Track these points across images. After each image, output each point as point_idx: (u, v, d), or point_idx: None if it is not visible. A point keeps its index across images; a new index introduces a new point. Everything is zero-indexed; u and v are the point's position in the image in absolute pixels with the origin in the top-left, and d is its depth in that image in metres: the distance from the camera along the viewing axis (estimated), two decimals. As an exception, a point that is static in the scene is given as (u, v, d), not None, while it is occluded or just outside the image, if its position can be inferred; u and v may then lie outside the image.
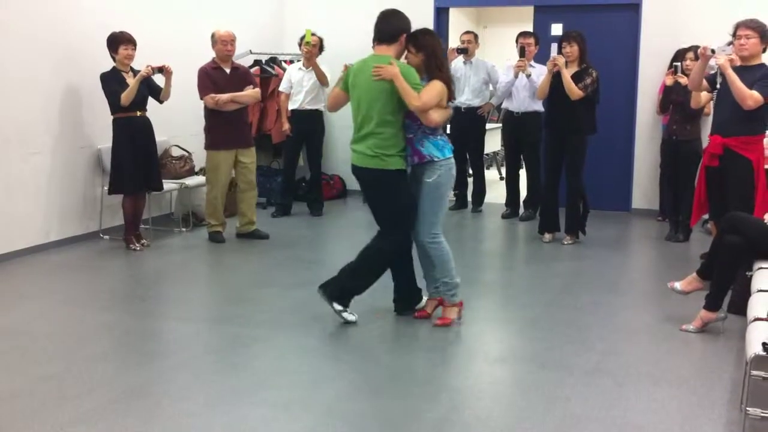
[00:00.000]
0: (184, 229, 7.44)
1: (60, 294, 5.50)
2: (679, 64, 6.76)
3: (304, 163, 8.61)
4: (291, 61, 8.66)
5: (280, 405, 3.64)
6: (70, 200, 6.71)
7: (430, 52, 4.57)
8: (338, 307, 4.67)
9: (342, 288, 4.70)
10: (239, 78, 6.95)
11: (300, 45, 8.01)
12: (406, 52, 4.65)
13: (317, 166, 8.38)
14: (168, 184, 7.32)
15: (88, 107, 6.78)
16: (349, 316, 4.70)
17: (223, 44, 6.84)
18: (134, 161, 6.50)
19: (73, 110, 6.71)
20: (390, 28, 4.54)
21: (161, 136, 7.57)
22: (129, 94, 6.32)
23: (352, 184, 9.35)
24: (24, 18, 6.25)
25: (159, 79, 6.65)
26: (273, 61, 8.91)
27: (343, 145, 9.40)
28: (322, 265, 6.53)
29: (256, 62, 8.84)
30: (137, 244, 6.61)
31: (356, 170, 4.71)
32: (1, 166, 6.14)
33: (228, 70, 6.91)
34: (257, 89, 7.08)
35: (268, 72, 8.80)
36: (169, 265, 6.43)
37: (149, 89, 6.60)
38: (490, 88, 8.38)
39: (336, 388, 3.85)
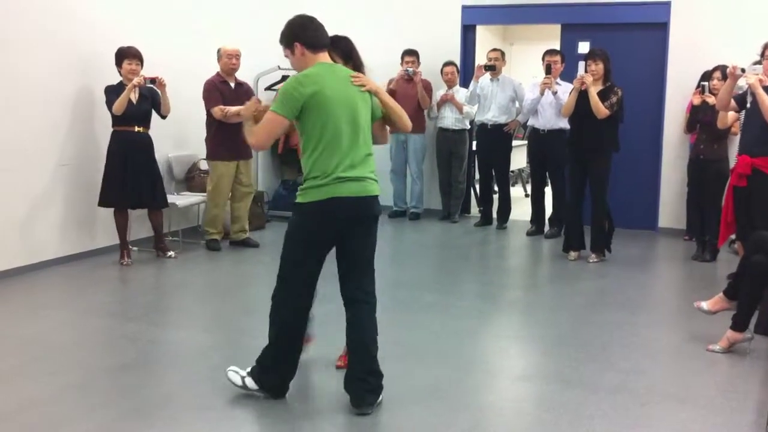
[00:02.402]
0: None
1: (85, 304, 5.55)
2: (706, 83, 6.73)
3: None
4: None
5: (304, 417, 3.65)
6: (97, 211, 6.76)
7: (359, 63, 4.05)
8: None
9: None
10: (243, 93, 7.09)
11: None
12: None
13: (343, 180, 8.40)
14: (195, 197, 7.45)
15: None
16: None
17: (228, 58, 7.06)
18: (124, 176, 6.44)
19: (99, 123, 6.77)
20: (327, 33, 3.90)
21: (187, 150, 7.68)
22: (120, 103, 6.30)
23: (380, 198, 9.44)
24: (45, 32, 6.34)
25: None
26: (300, 76, 8.96)
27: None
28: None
29: (284, 77, 8.90)
30: (127, 259, 6.64)
31: (369, 203, 3.69)
32: (24, 178, 6.23)
33: (233, 85, 7.12)
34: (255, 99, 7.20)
35: (295, 87, 8.86)
36: (195, 276, 6.48)
37: (153, 105, 6.64)
38: (517, 105, 8.40)
39: (359, 401, 3.85)
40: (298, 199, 3.68)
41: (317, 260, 3.74)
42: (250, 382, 3.82)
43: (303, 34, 3.80)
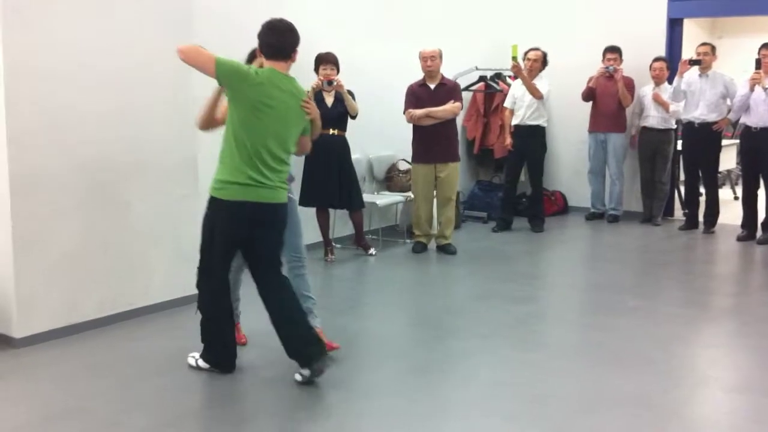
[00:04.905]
0: (408, 241, 7.67)
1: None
2: None
3: (525, 179, 8.60)
4: (515, 77, 8.69)
5: (509, 417, 3.68)
6: (302, 210, 7.04)
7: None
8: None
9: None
10: (444, 94, 7.06)
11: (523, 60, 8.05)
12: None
13: (539, 181, 8.33)
14: (394, 196, 7.68)
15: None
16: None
17: (423, 61, 7.07)
18: (321, 178, 6.63)
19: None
20: (294, 41, 3.94)
21: (387, 151, 7.92)
22: None
23: (574, 200, 9.30)
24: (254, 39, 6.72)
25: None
26: (498, 76, 9.00)
27: (565, 161, 9.35)
28: (543, 280, 6.53)
29: (481, 78, 8.97)
30: (330, 256, 6.92)
31: (265, 208, 3.95)
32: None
33: (432, 86, 7.09)
34: (456, 104, 7.04)
35: (492, 87, 8.90)
36: (395, 274, 6.66)
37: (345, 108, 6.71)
38: (728, 102, 7.96)
39: (561, 404, 3.82)
40: (213, 193, 3.94)
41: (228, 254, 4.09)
42: (201, 363, 4.21)
43: (263, 39, 3.94)
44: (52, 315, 4.73)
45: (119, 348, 4.64)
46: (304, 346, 4.01)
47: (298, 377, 4.04)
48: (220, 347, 4.17)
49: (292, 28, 3.93)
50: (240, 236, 4.00)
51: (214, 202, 3.96)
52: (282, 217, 4.09)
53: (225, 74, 3.77)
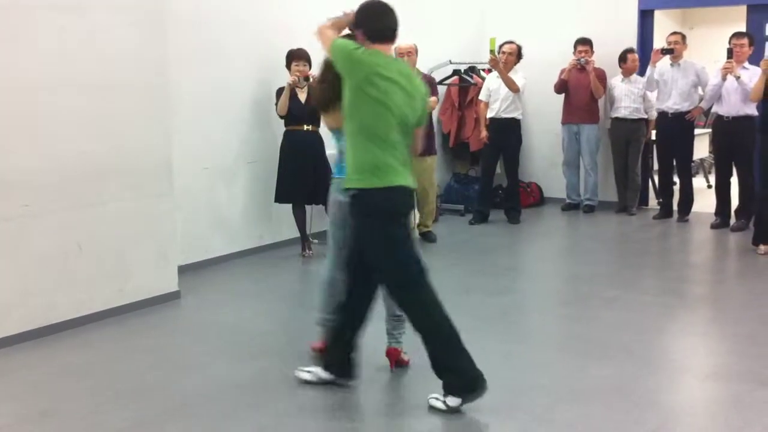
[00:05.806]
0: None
1: (275, 293, 5.85)
2: None
3: (501, 171, 8.62)
4: (490, 70, 8.70)
5: (487, 410, 3.68)
6: (281, 205, 7.06)
7: None
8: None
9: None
10: None
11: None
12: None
13: (514, 173, 8.36)
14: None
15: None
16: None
17: (399, 57, 7.01)
18: (298, 174, 6.63)
19: (279, 122, 7.02)
20: (396, 21, 3.75)
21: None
22: (281, 104, 6.53)
23: (550, 191, 9.34)
24: (242, 45, 6.69)
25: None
26: (472, 70, 9.00)
27: (540, 153, 9.38)
28: (522, 272, 6.56)
29: (455, 71, 8.97)
30: (308, 251, 6.88)
31: (411, 193, 3.83)
32: (224, 172, 6.64)
33: None
34: (434, 98, 6.95)
35: (466, 81, 8.91)
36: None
37: None
38: (700, 91, 8.03)
39: (541, 395, 3.85)
40: (362, 185, 3.65)
41: None
42: (323, 373, 3.93)
43: (365, 22, 3.72)
44: (28, 316, 4.67)
45: (97, 348, 4.60)
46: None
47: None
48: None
49: (392, 8, 3.74)
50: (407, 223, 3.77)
51: (365, 197, 3.66)
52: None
53: (336, 57, 3.68)
